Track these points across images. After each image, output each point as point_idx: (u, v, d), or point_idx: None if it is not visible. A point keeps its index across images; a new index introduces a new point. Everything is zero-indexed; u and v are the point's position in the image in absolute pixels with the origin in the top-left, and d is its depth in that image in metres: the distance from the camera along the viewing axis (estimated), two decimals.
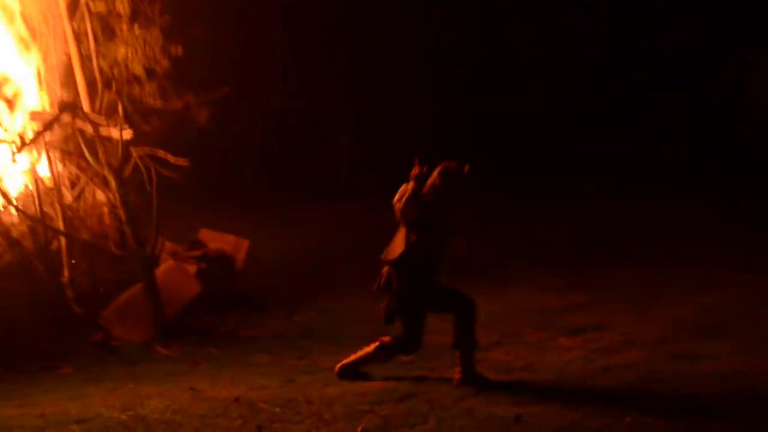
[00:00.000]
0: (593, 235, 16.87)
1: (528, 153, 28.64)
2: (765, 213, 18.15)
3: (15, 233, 10.57)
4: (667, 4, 29.97)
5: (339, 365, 8.42)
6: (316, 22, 29.37)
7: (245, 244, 12.64)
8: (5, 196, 10.71)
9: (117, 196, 10.74)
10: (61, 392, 8.37)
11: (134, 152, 10.96)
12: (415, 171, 7.91)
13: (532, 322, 10.53)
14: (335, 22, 29.56)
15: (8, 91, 11.35)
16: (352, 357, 8.43)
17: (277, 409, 7.28)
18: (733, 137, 28.87)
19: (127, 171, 10.83)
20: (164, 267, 11.03)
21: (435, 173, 8.19)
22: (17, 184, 11.10)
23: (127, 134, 10.92)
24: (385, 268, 8.25)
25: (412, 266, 8.08)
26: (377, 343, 8.31)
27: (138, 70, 12.05)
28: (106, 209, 11.34)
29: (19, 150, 10.79)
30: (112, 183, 10.77)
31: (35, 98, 11.63)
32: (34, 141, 10.93)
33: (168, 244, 11.78)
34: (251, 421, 7.01)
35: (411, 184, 7.85)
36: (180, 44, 12.30)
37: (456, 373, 8.09)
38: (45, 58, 11.72)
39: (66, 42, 11.63)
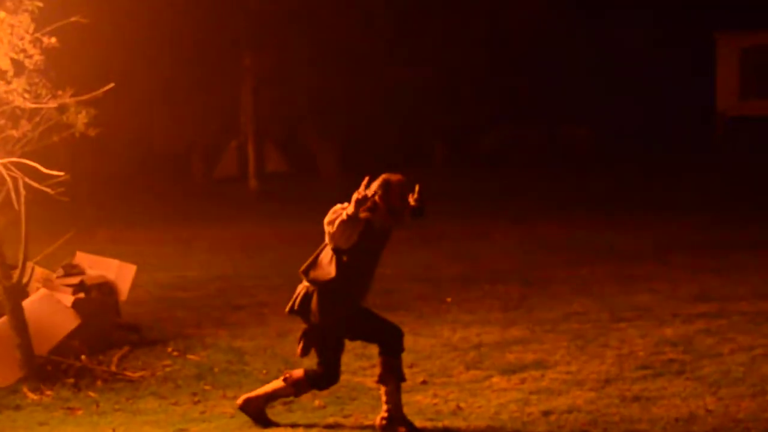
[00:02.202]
0: (537, 257, 17.12)
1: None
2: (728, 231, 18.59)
3: None
4: None
5: (243, 398, 8.41)
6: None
7: (132, 269, 12.55)
8: None
9: None
10: None
11: None
12: (359, 193, 7.79)
13: (463, 360, 10.52)
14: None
15: None
16: (259, 391, 8.44)
17: None
18: None
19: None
20: (34, 297, 10.98)
21: (374, 186, 8.13)
22: None
23: None
24: (302, 287, 8.22)
25: (341, 291, 8.03)
26: (287, 376, 8.32)
27: (4, 63, 11.98)
28: None
29: None
30: None
31: None
32: None
33: (39, 270, 11.74)
34: None
35: (350, 207, 7.76)
36: (54, 33, 12.27)
37: (382, 412, 8.11)
38: None
39: None
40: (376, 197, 8.07)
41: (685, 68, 39.45)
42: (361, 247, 7.94)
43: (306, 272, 8.18)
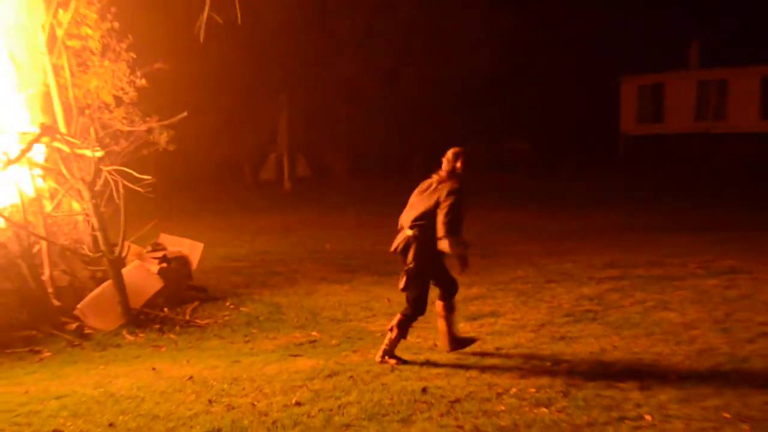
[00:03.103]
0: (492, 238, 17.13)
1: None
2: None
3: (2, 238, 10.50)
4: None
5: (380, 354, 8.12)
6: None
7: (200, 246, 12.60)
8: None
9: (90, 206, 10.69)
10: (43, 373, 8.37)
11: (104, 169, 10.95)
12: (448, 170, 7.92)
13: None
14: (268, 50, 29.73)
15: None
16: (384, 346, 8.14)
17: (226, 386, 7.37)
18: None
19: (99, 185, 10.80)
20: (130, 266, 11.01)
21: (452, 158, 7.96)
22: (4, 196, 11.01)
23: (99, 153, 10.90)
24: (404, 235, 8.02)
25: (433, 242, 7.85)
26: (390, 327, 8.12)
27: (107, 98, 11.97)
28: (80, 217, 11.30)
29: (5, 166, 10.72)
30: (86, 195, 10.71)
31: (21, 122, 11.54)
32: (18, 159, 10.87)
33: (134, 247, 11.77)
34: (204, 395, 7.09)
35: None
36: (144, 76, 12.31)
37: (380, 350, 8.07)
38: (28, 87, 11.65)
39: (46, 74, 11.56)
40: (458, 164, 7.96)
41: (599, 100, 39.71)
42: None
43: (411, 227, 7.96)
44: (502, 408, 6.54)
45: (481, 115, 36.59)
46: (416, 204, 8.06)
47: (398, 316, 8.12)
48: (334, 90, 32.90)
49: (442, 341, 8.38)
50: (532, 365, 7.80)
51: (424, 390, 7.00)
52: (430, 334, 9.33)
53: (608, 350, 8.27)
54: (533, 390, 6.95)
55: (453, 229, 7.79)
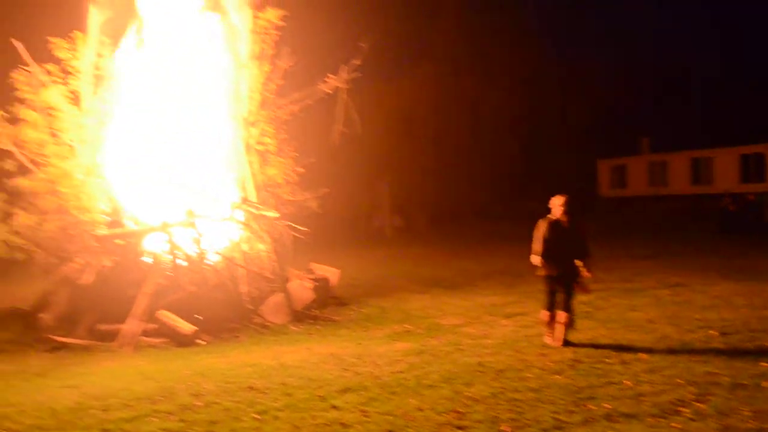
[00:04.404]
0: (513, 263, 16.71)
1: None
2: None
3: (217, 267, 10.72)
4: None
5: (562, 342, 7.29)
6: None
7: (337, 272, 12.62)
8: (213, 247, 10.92)
9: (269, 247, 10.89)
10: (239, 350, 8.46)
11: (278, 223, 11.14)
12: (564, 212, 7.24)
13: (487, 312, 10.30)
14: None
15: (213, 193, 11.57)
16: (561, 335, 7.35)
17: (353, 359, 7.31)
18: None
19: (275, 234, 10.96)
20: (293, 283, 11.10)
21: (565, 204, 7.23)
22: (219, 241, 11.28)
23: (275, 214, 11.11)
24: (562, 264, 7.29)
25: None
26: (564, 321, 7.29)
27: (280, 180, 12.21)
28: (264, 254, 11.47)
29: (222, 221, 11.01)
30: (267, 240, 10.92)
31: (230, 194, 11.82)
32: (228, 218, 11.13)
33: (296, 272, 11.87)
34: (339, 365, 7.05)
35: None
36: (302, 166, 12.55)
37: (558, 340, 7.35)
38: (233, 174, 11.96)
39: (243, 166, 11.85)
40: (569, 207, 7.34)
41: (586, 174, 38.19)
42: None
43: (566, 259, 7.26)
44: (531, 375, 6.31)
45: (503, 182, 35.55)
46: (558, 242, 7.25)
47: (565, 315, 7.32)
48: (416, 174, 32.88)
49: (558, 337, 7.40)
50: (549, 347, 7.50)
51: (479, 363, 6.81)
52: (481, 326, 9.12)
53: (599, 337, 7.92)
54: (551, 364, 6.70)
55: (589, 254, 7.36)
